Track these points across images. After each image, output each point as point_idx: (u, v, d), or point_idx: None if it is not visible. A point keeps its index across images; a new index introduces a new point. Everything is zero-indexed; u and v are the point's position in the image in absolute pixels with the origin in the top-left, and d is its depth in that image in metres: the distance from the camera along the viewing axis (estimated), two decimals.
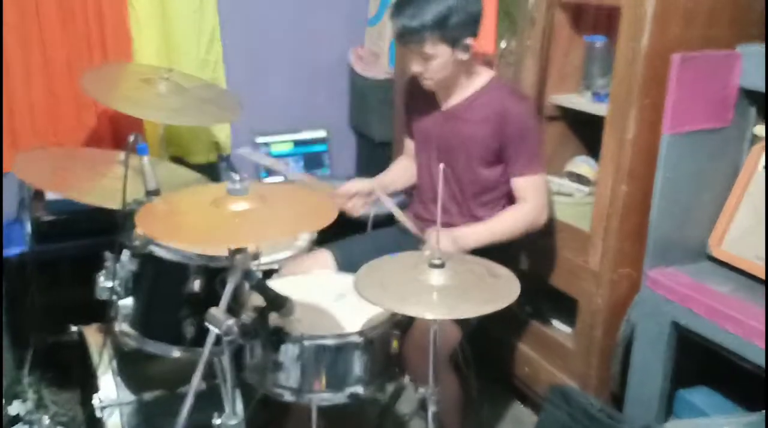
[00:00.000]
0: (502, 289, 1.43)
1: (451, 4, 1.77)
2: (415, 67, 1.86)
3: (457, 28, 1.78)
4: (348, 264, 1.89)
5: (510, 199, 2.00)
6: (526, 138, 1.88)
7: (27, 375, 2.23)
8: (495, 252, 1.91)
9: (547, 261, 2.14)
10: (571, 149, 2.25)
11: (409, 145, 2.14)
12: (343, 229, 2.04)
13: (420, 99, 2.01)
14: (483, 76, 1.94)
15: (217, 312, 1.34)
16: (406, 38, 1.81)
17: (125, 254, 1.65)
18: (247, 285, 1.50)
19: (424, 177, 2.06)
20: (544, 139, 2.00)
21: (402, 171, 2.16)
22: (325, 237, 2.02)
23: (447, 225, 1.96)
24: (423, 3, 1.77)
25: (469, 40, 1.82)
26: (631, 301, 1.91)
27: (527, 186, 1.91)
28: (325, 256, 2.00)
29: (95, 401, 1.72)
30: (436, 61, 1.82)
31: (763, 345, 1.54)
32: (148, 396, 1.77)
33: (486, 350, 2.23)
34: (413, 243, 2.04)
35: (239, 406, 1.66)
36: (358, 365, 1.57)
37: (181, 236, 1.48)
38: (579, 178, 2.16)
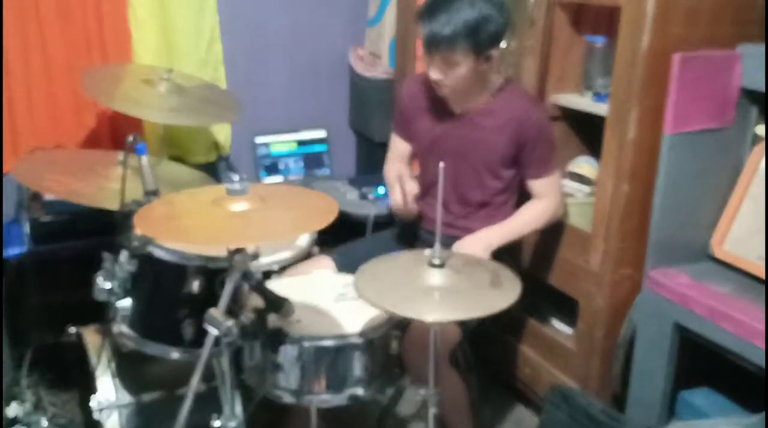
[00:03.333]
0: (499, 295, 1.41)
1: (486, 13, 1.74)
2: (435, 75, 1.82)
3: (487, 39, 1.76)
4: (349, 270, 1.88)
5: (518, 199, 2.00)
6: (542, 142, 1.90)
7: (25, 376, 2.22)
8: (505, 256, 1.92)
9: (548, 261, 2.14)
10: (572, 149, 2.24)
11: (403, 148, 2.10)
12: (343, 232, 2.04)
13: (429, 103, 1.99)
14: (495, 81, 1.94)
15: (216, 313, 1.34)
16: (435, 45, 1.76)
17: (124, 255, 1.64)
18: (246, 286, 1.50)
19: (432, 180, 2.02)
20: (556, 140, 2.00)
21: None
22: (324, 239, 2.02)
23: (451, 226, 1.95)
24: (457, 9, 1.73)
25: (494, 52, 1.81)
26: (632, 302, 1.90)
27: (544, 186, 1.93)
28: (326, 263, 1.98)
29: (93, 403, 1.72)
30: (459, 69, 1.79)
31: (764, 346, 1.53)
32: (146, 397, 1.77)
33: (487, 351, 2.23)
34: (414, 243, 2.03)
35: (238, 408, 1.66)
36: (358, 366, 1.57)
37: (180, 236, 1.48)
38: (580, 178, 2.16)
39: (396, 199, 1.92)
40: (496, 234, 1.89)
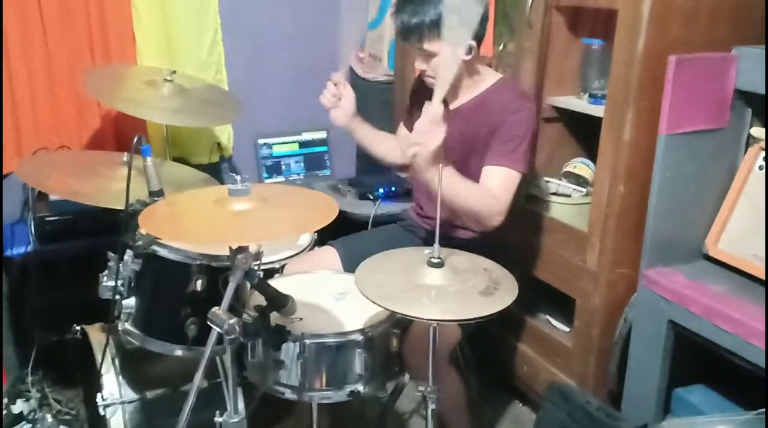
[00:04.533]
0: (485, 303, 1.40)
1: (451, 4, 1.75)
2: (418, 64, 1.88)
3: (455, 28, 1.78)
4: (353, 261, 1.89)
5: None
6: (514, 132, 1.80)
7: (30, 373, 2.24)
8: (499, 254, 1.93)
9: (546, 261, 2.15)
10: (569, 150, 2.26)
11: None
12: (344, 229, 2.07)
13: (425, 99, 2.02)
14: (489, 78, 1.95)
15: (219, 311, 1.35)
16: (406, 35, 1.83)
17: (128, 254, 1.65)
18: (248, 285, 1.52)
19: None
20: (536, 143, 1.97)
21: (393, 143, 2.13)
22: (325, 239, 2.04)
23: (450, 224, 1.98)
24: (423, 1, 1.78)
25: (472, 42, 1.82)
26: (628, 301, 1.92)
27: (496, 176, 1.79)
28: (330, 253, 2.01)
29: (98, 399, 1.73)
30: (437, 59, 1.83)
31: (759, 344, 1.55)
32: (150, 394, 1.78)
33: (485, 350, 2.24)
34: (416, 240, 2.06)
35: (241, 404, 1.67)
36: (358, 363, 1.59)
37: (184, 236, 1.49)
38: (577, 179, 2.18)
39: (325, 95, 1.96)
40: (436, 164, 1.68)
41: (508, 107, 1.85)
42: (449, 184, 1.68)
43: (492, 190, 1.79)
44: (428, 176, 1.69)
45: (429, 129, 1.65)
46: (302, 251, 1.93)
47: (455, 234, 1.97)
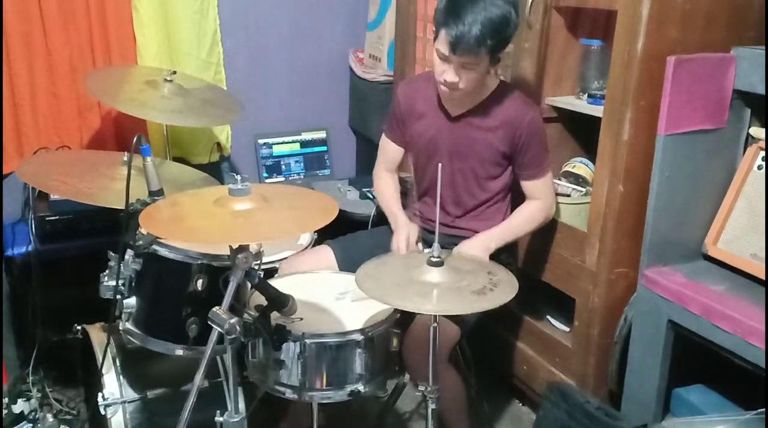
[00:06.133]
0: (475, 301, 1.41)
1: (507, 11, 1.74)
2: (451, 77, 1.79)
3: (507, 39, 1.78)
4: (349, 261, 1.91)
5: (514, 198, 2.03)
6: (536, 144, 1.92)
7: (31, 373, 2.25)
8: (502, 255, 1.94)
9: (546, 260, 2.16)
10: (568, 150, 2.26)
11: (395, 152, 2.12)
12: (343, 228, 2.07)
13: (424, 105, 2.01)
14: (490, 83, 1.95)
15: (220, 310, 1.36)
16: (462, 46, 1.73)
17: (129, 253, 1.66)
18: (249, 285, 1.52)
19: (429, 181, 2.05)
20: (548, 141, 2.01)
21: (395, 192, 2.13)
22: (325, 236, 2.04)
23: (448, 226, 1.98)
24: (482, 9, 1.72)
25: (503, 54, 1.83)
26: (627, 300, 1.92)
27: (538, 188, 1.96)
28: (326, 253, 2.01)
29: (99, 399, 1.74)
30: (476, 71, 1.79)
31: (758, 344, 1.55)
32: (151, 394, 1.78)
33: (485, 349, 2.25)
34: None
35: (241, 404, 1.67)
36: (358, 363, 1.59)
37: (184, 235, 1.50)
38: (576, 179, 2.18)
39: (400, 247, 1.91)
40: (494, 238, 1.92)
41: (524, 120, 1.89)
42: (516, 229, 1.97)
43: (540, 200, 1.98)
44: None
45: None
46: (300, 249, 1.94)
47: (460, 234, 1.98)
